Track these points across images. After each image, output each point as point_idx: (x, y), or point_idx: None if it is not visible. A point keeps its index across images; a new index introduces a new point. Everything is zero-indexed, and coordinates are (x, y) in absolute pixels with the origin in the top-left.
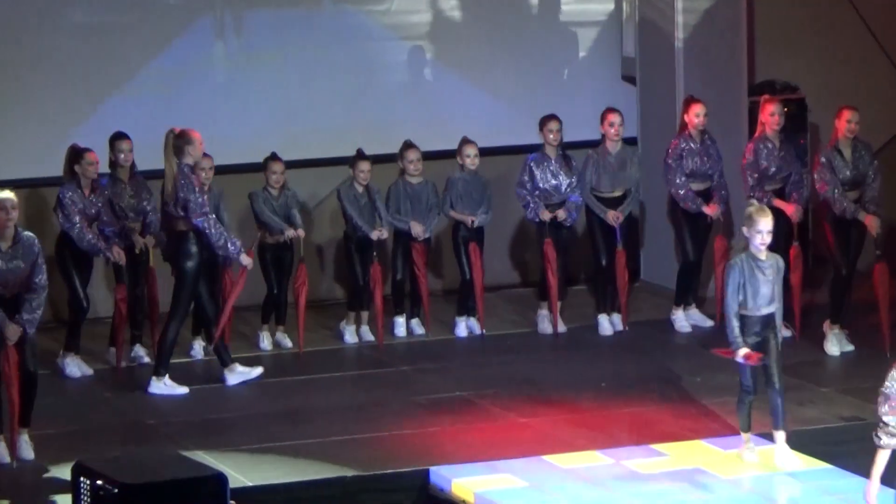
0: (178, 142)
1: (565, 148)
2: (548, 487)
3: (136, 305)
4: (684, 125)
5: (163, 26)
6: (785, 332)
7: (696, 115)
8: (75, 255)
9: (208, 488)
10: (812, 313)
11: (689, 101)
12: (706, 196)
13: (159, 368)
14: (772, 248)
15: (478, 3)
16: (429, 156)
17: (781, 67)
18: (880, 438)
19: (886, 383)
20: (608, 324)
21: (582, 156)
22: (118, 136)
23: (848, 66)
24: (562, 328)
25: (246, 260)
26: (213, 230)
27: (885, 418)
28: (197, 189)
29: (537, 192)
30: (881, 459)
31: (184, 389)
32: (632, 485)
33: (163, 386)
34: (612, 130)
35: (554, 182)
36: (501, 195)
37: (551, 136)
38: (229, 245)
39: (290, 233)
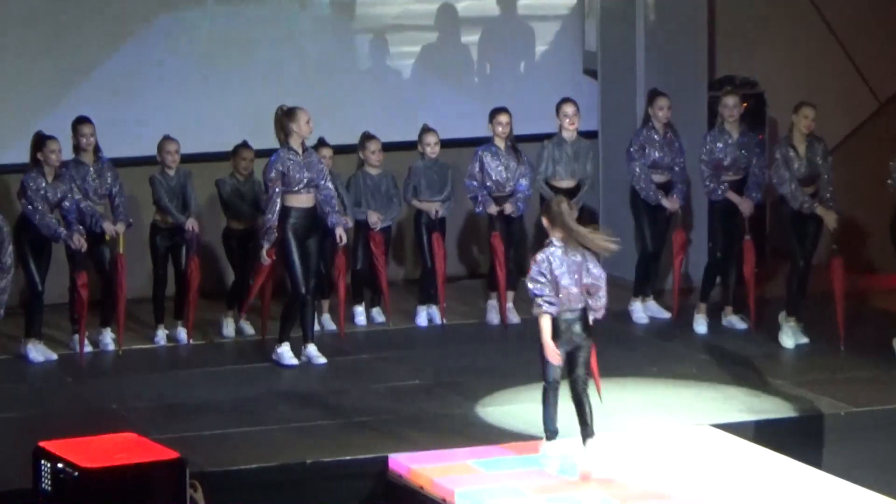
0: (284, 120)
1: (525, 140)
2: (504, 474)
3: (106, 291)
4: (648, 117)
5: (129, 14)
6: (740, 325)
7: (660, 109)
8: (33, 240)
9: (167, 472)
10: (767, 306)
11: (654, 94)
12: (667, 188)
13: (281, 336)
14: (726, 240)
15: (443, 2)
16: (391, 146)
17: (741, 63)
18: (539, 306)
19: (533, 267)
20: None
21: (538, 148)
22: (80, 121)
23: (807, 63)
24: (515, 319)
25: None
26: (266, 210)
27: (534, 292)
28: (273, 170)
29: (489, 184)
30: (545, 324)
31: (293, 361)
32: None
33: (278, 352)
34: (567, 121)
35: (505, 174)
36: (457, 185)
37: (500, 129)
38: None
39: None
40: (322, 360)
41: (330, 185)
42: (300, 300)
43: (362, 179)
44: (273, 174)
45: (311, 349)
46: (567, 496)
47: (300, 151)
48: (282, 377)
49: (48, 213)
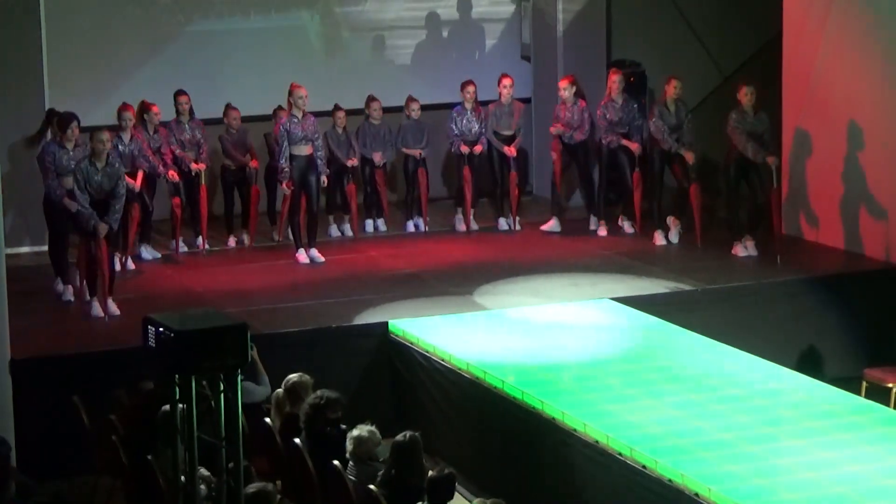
0: (289, 94)
1: (483, 104)
2: (463, 331)
3: (193, 210)
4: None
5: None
6: (630, 229)
7: (563, 90)
8: (143, 175)
9: (235, 334)
10: (648, 217)
11: (562, 79)
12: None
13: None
14: (619, 174)
15: (425, 10)
16: (388, 109)
17: (629, 49)
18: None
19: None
20: (505, 223)
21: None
22: (179, 93)
23: (672, 48)
24: (475, 226)
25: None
26: (279, 158)
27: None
28: (281, 129)
29: (459, 134)
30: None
31: (306, 261)
32: (524, 327)
33: (296, 255)
34: (505, 91)
35: (469, 126)
36: (440, 133)
37: (468, 96)
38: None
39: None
40: (321, 259)
41: (320, 142)
42: (309, 216)
43: (367, 128)
44: (281, 131)
45: (313, 252)
46: (499, 346)
47: (300, 117)
48: (313, 268)
49: (150, 156)
